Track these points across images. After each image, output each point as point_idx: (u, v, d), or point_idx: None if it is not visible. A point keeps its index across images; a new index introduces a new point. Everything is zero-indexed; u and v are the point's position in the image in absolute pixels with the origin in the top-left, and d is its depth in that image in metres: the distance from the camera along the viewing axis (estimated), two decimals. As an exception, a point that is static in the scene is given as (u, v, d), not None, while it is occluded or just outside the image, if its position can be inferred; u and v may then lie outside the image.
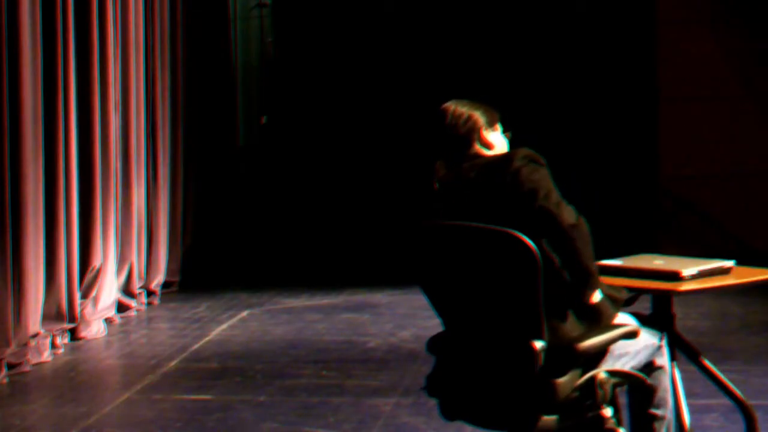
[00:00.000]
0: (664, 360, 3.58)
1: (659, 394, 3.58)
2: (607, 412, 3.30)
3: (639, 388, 3.56)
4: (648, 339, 3.52)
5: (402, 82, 10.20)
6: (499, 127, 3.61)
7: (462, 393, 3.45)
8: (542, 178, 3.32)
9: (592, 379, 3.28)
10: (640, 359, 3.48)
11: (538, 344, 3.20)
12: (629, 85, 9.78)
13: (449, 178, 3.47)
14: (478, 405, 3.42)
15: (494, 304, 3.34)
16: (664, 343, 3.58)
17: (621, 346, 3.40)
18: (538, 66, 9.87)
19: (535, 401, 3.26)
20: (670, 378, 3.63)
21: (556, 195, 3.30)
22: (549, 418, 3.27)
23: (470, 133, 3.53)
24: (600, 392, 3.27)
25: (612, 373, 3.33)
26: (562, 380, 3.23)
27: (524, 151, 3.39)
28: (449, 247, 3.39)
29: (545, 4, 10.05)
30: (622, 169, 9.66)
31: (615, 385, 3.40)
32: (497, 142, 3.57)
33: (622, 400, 3.74)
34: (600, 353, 3.33)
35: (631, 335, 3.36)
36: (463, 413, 3.46)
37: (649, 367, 3.54)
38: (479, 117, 3.56)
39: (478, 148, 3.52)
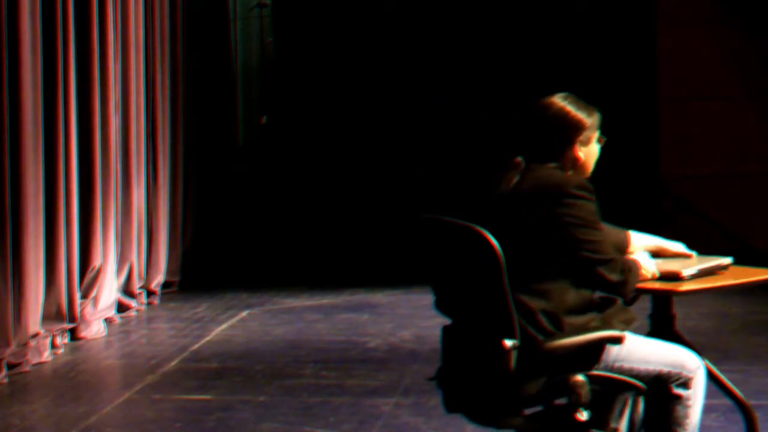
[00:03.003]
0: (687, 392, 3.41)
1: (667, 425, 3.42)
2: (582, 416, 3.26)
3: (653, 402, 3.45)
4: (665, 356, 3.40)
5: (402, 82, 10.20)
6: (595, 138, 3.49)
7: (459, 386, 3.46)
8: (590, 221, 3.31)
9: (566, 381, 3.25)
10: (641, 369, 3.38)
11: (509, 342, 3.20)
12: (629, 85, 9.78)
13: (506, 185, 3.40)
14: (468, 399, 3.44)
15: (472, 299, 3.38)
16: (697, 377, 3.42)
17: (625, 354, 3.35)
18: (538, 66, 9.87)
19: (503, 399, 3.28)
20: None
21: (602, 248, 3.30)
22: (517, 418, 3.29)
23: (563, 145, 3.44)
24: (573, 396, 3.25)
25: (594, 378, 3.30)
26: (531, 379, 3.24)
27: (576, 183, 3.34)
28: (437, 242, 3.44)
29: (545, 4, 10.05)
30: (623, 169, 9.66)
31: (602, 391, 3.38)
32: (587, 156, 3.48)
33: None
34: (579, 355, 3.28)
35: (613, 341, 3.30)
36: (461, 407, 3.48)
37: (662, 390, 3.40)
38: (580, 128, 3.45)
39: (563, 161, 3.44)
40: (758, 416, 3.92)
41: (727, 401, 4.03)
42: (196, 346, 6.56)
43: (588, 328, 3.33)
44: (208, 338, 6.79)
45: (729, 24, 9.42)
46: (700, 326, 6.66)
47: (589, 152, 3.50)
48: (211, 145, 9.33)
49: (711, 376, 3.87)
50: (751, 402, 3.93)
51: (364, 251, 9.40)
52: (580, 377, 3.26)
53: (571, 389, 3.25)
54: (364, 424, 4.89)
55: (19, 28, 6.03)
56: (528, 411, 3.37)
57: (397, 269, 8.11)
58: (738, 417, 4.00)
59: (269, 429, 4.87)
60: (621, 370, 3.36)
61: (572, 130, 3.45)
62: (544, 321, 3.28)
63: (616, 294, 3.38)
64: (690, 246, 3.83)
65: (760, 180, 9.34)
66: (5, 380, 5.72)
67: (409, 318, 7.15)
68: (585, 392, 3.25)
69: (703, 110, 9.45)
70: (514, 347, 3.21)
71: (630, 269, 3.36)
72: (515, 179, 3.39)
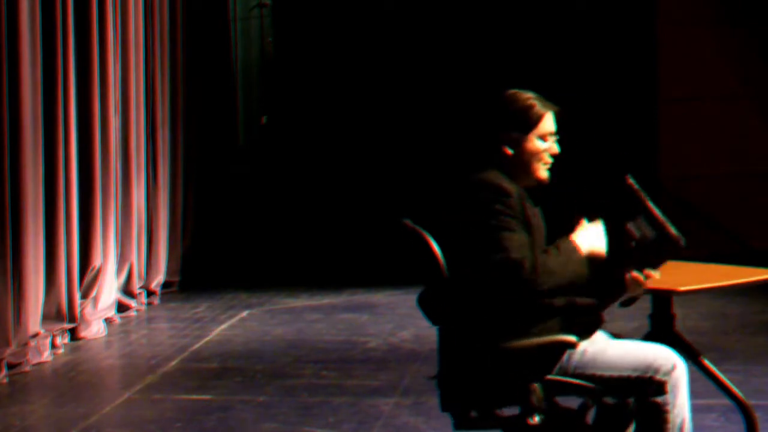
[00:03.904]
0: (662, 397, 3.29)
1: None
2: (534, 420, 3.23)
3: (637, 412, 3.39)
4: (633, 361, 3.29)
5: (402, 82, 10.20)
6: (536, 136, 3.37)
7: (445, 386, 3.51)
8: (496, 225, 3.21)
9: (517, 385, 3.23)
10: (605, 375, 3.30)
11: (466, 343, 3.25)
12: (629, 85, 9.78)
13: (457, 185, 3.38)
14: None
15: (433, 300, 3.42)
16: (672, 379, 3.31)
17: (588, 359, 3.29)
18: (538, 66, 9.86)
19: (462, 400, 3.32)
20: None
21: (509, 246, 3.18)
22: (475, 420, 3.32)
23: (492, 132, 3.36)
24: (523, 400, 3.23)
25: (550, 382, 3.27)
26: (486, 382, 3.26)
27: (488, 184, 3.27)
28: (406, 245, 3.48)
29: (545, 4, 10.05)
30: (622, 170, 9.65)
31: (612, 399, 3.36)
32: (521, 155, 3.36)
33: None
34: (534, 359, 3.23)
35: (564, 345, 3.23)
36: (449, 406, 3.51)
37: (639, 399, 3.31)
38: (506, 115, 3.35)
39: (502, 150, 3.36)
40: (758, 416, 3.92)
41: (727, 401, 4.03)
42: (196, 346, 6.56)
43: (546, 331, 3.28)
44: (208, 338, 6.79)
45: (729, 24, 9.42)
46: (700, 326, 6.66)
47: (525, 151, 3.38)
48: (211, 146, 9.33)
49: (711, 376, 3.87)
50: (751, 402, 3.93)
51: (365, 251, 9.40)
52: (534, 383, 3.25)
53: (522, 394, 3.23)
54: (364, 424, 4.89)
55: (18, 28, 6.03)
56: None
57: (397, 269, 8.11)
58: (738, 417, 4.00)
59: (269, 429, 4.87)
60: (584, 377, 3.30)
61: (501, 122, 3.37)
62: (496, 324, 3.25)
63: (529, 293, 3.22)
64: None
65: (760, 180, 9.34)
66: (5, 380, 5.72)
67: (409, 318, 7.15)
68: (536, 397, 3.22)
69: (703, 110, 9.45)
70: (466, 348, 3.23)
71: (548, 269, 3.19)
72: (457, 182, 3.37)
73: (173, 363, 6.15)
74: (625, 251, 3.35)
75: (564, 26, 9.98)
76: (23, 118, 6.08)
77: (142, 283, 7.88)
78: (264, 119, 10.73)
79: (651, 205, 3.34)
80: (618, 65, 9.82)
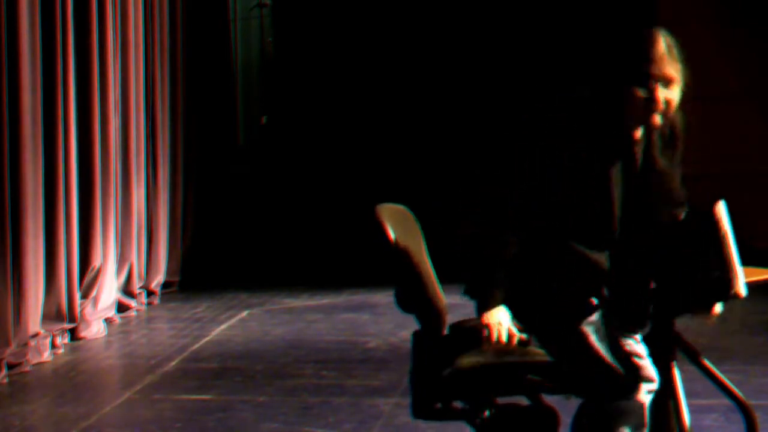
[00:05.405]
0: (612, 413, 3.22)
1: None
2: (484, 414, 3.27)
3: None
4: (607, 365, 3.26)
5: (401, 81, 10.20)
6: None
7: None
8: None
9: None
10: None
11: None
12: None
13: None
14: None
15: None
16: (623, 404, 3.25)
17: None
18: (537, 65, 9.86)
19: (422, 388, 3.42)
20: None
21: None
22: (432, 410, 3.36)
23: None
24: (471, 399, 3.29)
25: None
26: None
27: None
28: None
29: (545, 4, 10.05)
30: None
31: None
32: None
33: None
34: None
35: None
36: None
37: (593, 398, 3.28)
38: None
39: None
40: (758, 416, 3.91)
41: (727, 401, 4.02)
42: (196, 346, 6.56)
43: None
44: (208, 338, 6.79)
45: (729, 24, 9.42)
46: (700, 326, 6.65)
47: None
48: (211, 146, 9.33)
49: (711, 376, 3.87)
50: (751, 402, 3.93)
51: (365, 251, 9.39)
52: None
53: (473, 388, 3.26)
54: (364, 424, 4.89)
55: (18, 28, 6.03)
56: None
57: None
58: (738, 417, 3.99)
59: (269, 429, 4.87)
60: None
61: None
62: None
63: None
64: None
65: (761, 180, 9.34)
66: (5, 380, 5.72)
67: (409, 318, 7.12)
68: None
69: (703, 110, 9.40)
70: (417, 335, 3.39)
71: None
72: None
73: (173, 363, 6.15)
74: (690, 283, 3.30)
75: (563, 26, 9.97)
76: (23, 118, 6.08)
77: (142, 283, 7.89)
78: (264, 119, 10.73)
79: (730, 242, 3.21)
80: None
